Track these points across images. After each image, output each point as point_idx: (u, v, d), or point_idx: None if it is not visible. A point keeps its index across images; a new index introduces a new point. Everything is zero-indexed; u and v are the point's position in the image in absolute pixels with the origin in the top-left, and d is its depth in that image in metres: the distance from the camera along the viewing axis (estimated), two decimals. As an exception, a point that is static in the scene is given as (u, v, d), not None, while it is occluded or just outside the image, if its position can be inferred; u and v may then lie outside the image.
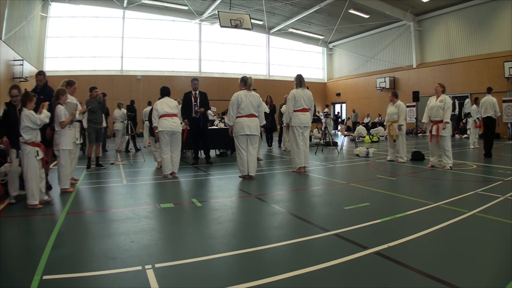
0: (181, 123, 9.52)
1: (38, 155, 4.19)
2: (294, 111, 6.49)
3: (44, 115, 4.25)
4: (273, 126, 10.62)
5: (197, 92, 7.57)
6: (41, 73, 5.59)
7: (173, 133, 6.23)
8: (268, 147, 11.20)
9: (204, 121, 7.77)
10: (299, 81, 6.60)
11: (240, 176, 6.08)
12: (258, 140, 6.42)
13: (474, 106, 10.79)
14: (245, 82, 6.11)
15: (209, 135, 8.24)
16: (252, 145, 6.09)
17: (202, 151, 8.52)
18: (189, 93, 7.64)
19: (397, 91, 8.76)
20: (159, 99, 6.54)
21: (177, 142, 6.34)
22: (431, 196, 4.51)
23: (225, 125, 10.03)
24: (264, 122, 6.60)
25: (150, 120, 7.38)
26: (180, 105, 7.36)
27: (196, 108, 7.49)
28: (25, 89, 4.61)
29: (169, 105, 6.32)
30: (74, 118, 5.15)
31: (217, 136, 9.11)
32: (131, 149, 10.90)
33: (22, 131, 4.09)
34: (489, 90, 9.22)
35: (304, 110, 6.52)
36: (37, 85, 5.51)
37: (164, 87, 6.72)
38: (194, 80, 7.67)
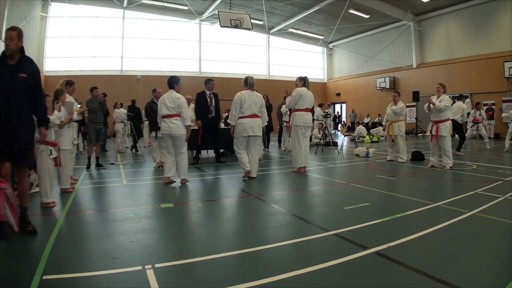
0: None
1: (51, 154, 4.21)
2: (299, 110, 6.44)
3: (55, 117, 4.25)
4: (270, 126, 10.49)
5: (211, 92, 7.69)
6: (14, 29, 3.18)
7: (171, 136, 5.47)
8: (265, 149, 10.89)
9: (217, 121, 7.91)
10: (305, 81, 6.60)
11: (243, 177, 5.94)
12: (260, 141, 6.32)
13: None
14: (246, 82, 6.09)
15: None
16: (254, 146, 6.00)
17: (201, 151, 8.54)
18: (202, 93, 7.68)
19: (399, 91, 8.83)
20: None
21: (180, 145, 5.52)
22: (431, 196, 4.51)
23: (225, 125, 10.03)
24: (267, 121, 6.57)
25: (150, 117, 7.40)
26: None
27: (212, 109, 7.60)
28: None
29: (167, 104, 5.42)
30: (73, 118, 5.14)
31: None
32: (127, 147, 10.98)
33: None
34: (461, 97, 10.14)
35: (307, 110, 6.51)
36: (8, 49, 3.12)
37: (171, 77, 5.72)
38: (210, 80, 7.72)
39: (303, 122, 6.41)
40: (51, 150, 4.22)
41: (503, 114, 10.95)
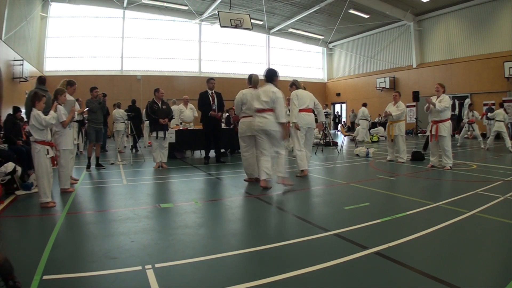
0: (182, 123, 9.60)
1: (48, 154, 4.23)
2: (299, 110, 6.12)
3: (50, 117, 4.26)
4: None
5: (213, 91, 7.74)
6: None
7: (265, 132, 5.14)
8: None
9: (219, 121, 7.97)
10: (294, 84, 6.28)
11: (245, 180, 5.74)
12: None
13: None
14: (249, 80, 5.88)
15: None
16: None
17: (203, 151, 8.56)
18: (205, 92, 7.75)
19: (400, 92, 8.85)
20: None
21: (276, 142, 5.13)
22: (431, 196, 4.51)
23: (226, 126, 10.05)
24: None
25: (150, 118, 7.41)
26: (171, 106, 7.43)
27: (214, 108, 7.65)
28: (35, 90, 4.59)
29: (261, 98, 5.11)
30: (74, 117, 5.14)
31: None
32: (125, 147, 10.98)
33: (31, 130, 4.16)
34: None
35: (308, 110, 6.22)
36: None
37: (269, 69, 5.37)
38: (211, 79, 7.80)
39: (303, 123, 6.10)
40: (48, 150, 4.23)
41: (489, 114, 11.30)
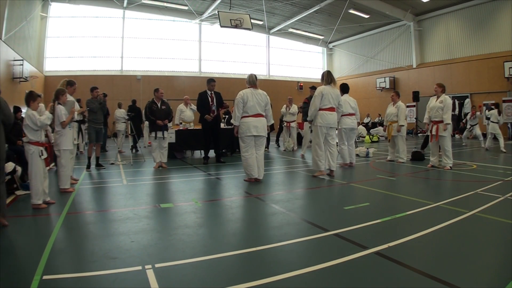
0: (182, 123, 9.61)
1: (42, 155, 4.19)
2: (321, 109, 6.04)
3: (45, 117, 4.23)
4: (270, 126, 10.39)
5: (213, 92, 7.81)
6: None
7: (351, 129, 7.48)
8: (265, 149, 10.84)
9: (218, 121, 8.02)
10: (329, 77, 6.20)
11: (245, 180, 5.75)
12: (265, 141, 6.11)
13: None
14: (248, 81, 5.91)
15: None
16: (259, 146, 5.81)
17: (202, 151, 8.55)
18: (204, 92, 7.80)
19: (398, 91, 8.82)
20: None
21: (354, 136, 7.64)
22: (431, 196, 4.51)
23: (226, 126, 10.04)
24: (273, 121, 6.30)
25: (149, 119, 7.41)
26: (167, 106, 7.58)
27: (213, 108, 7.69)
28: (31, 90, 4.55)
29: (351, 105, 7.40)
30: (74, 117, 5.14)
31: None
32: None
33: (25, 130, 4.10)
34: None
35: (331, 109, 6.06)
36: None
37: (346, 85, 7.65)
38: (211, 81, 7.84)
39: (325, 122, 5.97)
40: (42, 151, 4.19)
41: (487, 112, 11.24)
